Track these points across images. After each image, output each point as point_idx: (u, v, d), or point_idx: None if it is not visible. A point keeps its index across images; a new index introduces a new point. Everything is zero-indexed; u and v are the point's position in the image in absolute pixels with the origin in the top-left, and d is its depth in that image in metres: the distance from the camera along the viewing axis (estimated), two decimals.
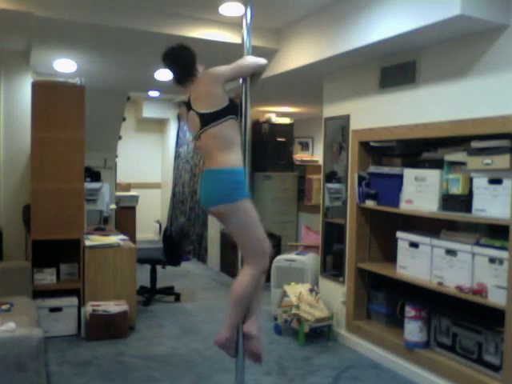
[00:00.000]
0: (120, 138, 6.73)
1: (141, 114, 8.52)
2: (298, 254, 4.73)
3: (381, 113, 3.62)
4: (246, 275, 2.51)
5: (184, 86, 2.60)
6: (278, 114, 7.16)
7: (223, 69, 2.52)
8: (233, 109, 2.53)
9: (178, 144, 8.61)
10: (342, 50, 3.41)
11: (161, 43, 3.92)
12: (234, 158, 2.47)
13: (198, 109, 2.49)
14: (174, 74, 2.62)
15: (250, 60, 2.54)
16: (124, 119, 6.63)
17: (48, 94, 3.94)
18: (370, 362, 3.61)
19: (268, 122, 6.91)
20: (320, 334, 4.05)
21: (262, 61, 2.59)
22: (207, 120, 2.47)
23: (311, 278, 4.42)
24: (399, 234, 3.55)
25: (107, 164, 6.36)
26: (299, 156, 7.38)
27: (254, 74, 2.59)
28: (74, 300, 4.04)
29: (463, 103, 2.96)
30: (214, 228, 6.79)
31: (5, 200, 4.68)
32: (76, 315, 4.02)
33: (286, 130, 7.05)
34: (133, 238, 5.80)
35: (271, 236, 6.06)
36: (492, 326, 2.86)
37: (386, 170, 3.64)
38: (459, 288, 2.98)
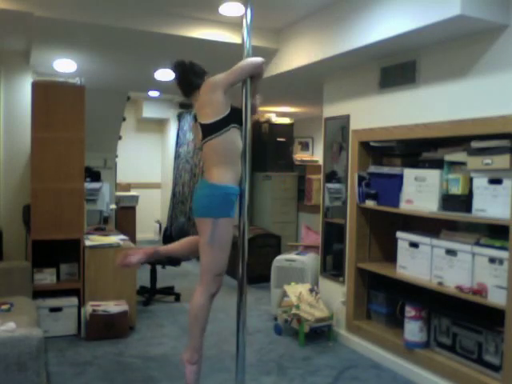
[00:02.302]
0: (120, 138, 6.73)
1: (141, 114, 8.52)
2: (298, 254, 4.73)
3: (381, 113, 3.62)
4: (200, 295, 2.73)
5: (190, 98, 2.66)
6: (278, 113, 7.17)
7: (220, 76, 2.52)
8: (235, 116, 2.49)
9: (178, 144, 8.60)
10: (342, 50, 3.41)
11: (161, 43, 3.96)
12: (229, 176, 2.49)
13: (200, 119, 2.50)
14: (179, 88, 2.71)
15: (246, 62, 2.50)
16: (124, 119, 6.63)
17: (48, 93, 3.94)
18: (370, 362, 3.62)
19: (268, 121, 6.92)
20: (320, 334, 4.05)
21: (257, 60, 2.53)
22: (207, 131, 2.47)
23: (311, 278, 4.42)
24: (399, 234, 3.55)
25: (107, 164, 6.36)
26: (299, 156, 7.39)
27: (254, 76, 2.56)
28: (74, 300, 4.04)
29: (463, 103, 2.97)
30: None
31: (5, 200, 4.68)
32: (76, 315, 4.02)
33: (286, 130, 7.05)
34: (133, 238, 5.81)
35: (271, 236, 6.08)
36: (492, 325, 2.86)
37: (386, 169, 3.64)
38: (459, 288, 2.98)
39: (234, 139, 2.50)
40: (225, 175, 2.47)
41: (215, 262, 2.66)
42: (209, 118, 2.46)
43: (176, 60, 2.72)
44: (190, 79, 2.62)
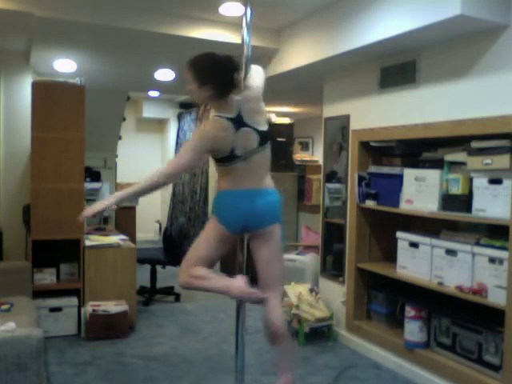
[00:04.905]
0: (120, 138, 6.73)
1: (141, 114, 8.52)
2: (298, 253, 4.73)
3: (381, 113, 3.62)
4: (280, 306, 2.54)
5: (226, 99, 2.30)
6: (277, 113, 7.16)
7: (259, 84, 2.44)
8: None
9: (178, 144, 8.61)
10: (342, 50, 3.41)
11: (161, 43, 3.96)
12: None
13: (257, 126, 2.33)
14: (228, 85, 2.28)
15: (263, 72, 2.53)
16: (124, 119, 6.63)
17: (48, 93, 3.94)
18: (370, 362, 3.61)
19: (268, 121, 6.90)
20: (320, 334, 4.05)
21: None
22: (265, 138, 2.37)
23: (311, 278, 4.42)
24: (399, 234, 3.55)
25: (107, 164, 6.36)
26: (299, 156, 7.37)
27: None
28: (74, 300, 4.04)
29: (463, 103, 2.96)
30: None
31: (5, 200, 4.68)
32: (76, 315, 4.02)
33: (286, 130, 7.04)
34: (133, 238, 5.80)
35: None
36: (492, 326, 2.86)
37: (385, 169, 3.64)
38: (459, 288, 2.98)
39: None
40: (271, 181, 2.45)
41: (283, 265, 2.56)
42: (265, 126, 2.39)
43: (230, 55, 2.34)
44: (234, 77, 2.29)
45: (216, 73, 2.27)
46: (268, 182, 2.41)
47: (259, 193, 2.35)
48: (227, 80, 2.27)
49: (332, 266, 4.28)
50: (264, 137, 2.35)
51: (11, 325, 2.59)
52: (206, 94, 2.28)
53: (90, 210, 2.24)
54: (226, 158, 2.29)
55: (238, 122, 2.28)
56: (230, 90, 2.28)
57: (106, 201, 2.25)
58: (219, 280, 2.38)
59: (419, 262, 3.33)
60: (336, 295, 4.08)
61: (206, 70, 2.27)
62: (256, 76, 2.46)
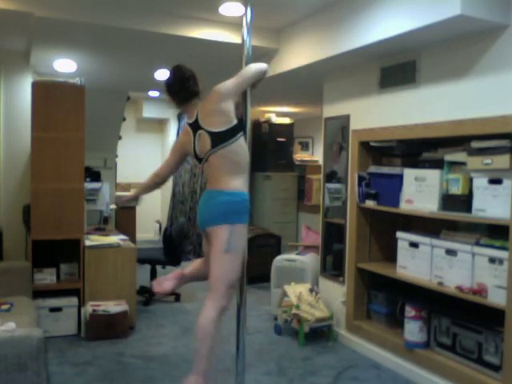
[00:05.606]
0: (120, 138, 6.73)
1: (141, 114, 8.52)
2: (298, 254, 4.73)
3: (381, 113, 3.62)
4: (212, 309, 2.48)
5: (186, 105, 2.55)
6: (277, 113, 7.17)
7: (229, 84, 2.46)
8: (240, 125, 2.48)
9: None
10: (342, 50, 3.41)
11: (161, 43, 3.96)
12: (240, 183, 2.45)
13: (208, 127, 2.42)
14: (175, 94, 2.57)
15: (253, 69, 2.51)
16: (124, 119, 6.63)
17: (48, 93, 3.94)
18: (370, 362, 3.61)
19: (268, 122, 6.92)
20: (320, 334, 4.05)
21: (263, 66, 2.55)
22: (219, 139, 2.40)
23: (311, 277, 4.42)
24: (399, 234, 3.55)
25: (107, 164, 6.36)
26: (299, 156, 7.39)
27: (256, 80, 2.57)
28: (74, 300, 4.04)
29: (463, 103, 2.96)
30: None
31: (5, 200, 4.68)
32: (76, 315, 4.02)
33: (286, 130, 7.06)
34: (133, 238, 5.80)
35: (271, 236, 6.08)
36: (492, 326, 2.86)
37: (385, 169, 3.64)
38: (459, 288, 2.98)
39: (244, 147, 2.49)
40: (239, 182, 2.45)
41: (232, 270, 2.47)
42: (221, 126, 2.40)
43: (178, 64, 2.58)
44: (190, 85, 2.51)
45: (166, 85, 2.58)
46: (229, 184, 2.44)
47: (210, 193, 2.50)
48: (173, 89, 2.56)
49: (332, 266, 4.28)
50: (218, 138, 2.40)
51: (11, 325, 2.59)
52: (171, 102, 2.61)
53: (123, 198, 3.02)
54: (196, 160, 2.57)
55: (196, 127, 2.48)
56: (182, 98, 2.54)
57: (130, 193, 3.00)
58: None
59: (419, 262, 3.33)
60: (336, 295, 4.08)
61: (164, 83, 2.60)
62: (237, 75, 2.52)
